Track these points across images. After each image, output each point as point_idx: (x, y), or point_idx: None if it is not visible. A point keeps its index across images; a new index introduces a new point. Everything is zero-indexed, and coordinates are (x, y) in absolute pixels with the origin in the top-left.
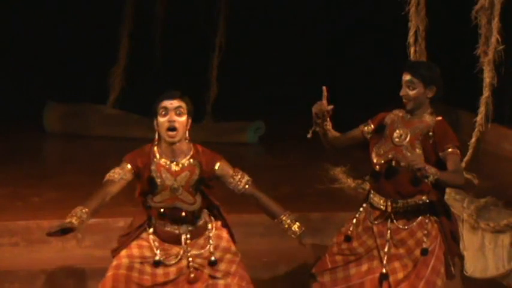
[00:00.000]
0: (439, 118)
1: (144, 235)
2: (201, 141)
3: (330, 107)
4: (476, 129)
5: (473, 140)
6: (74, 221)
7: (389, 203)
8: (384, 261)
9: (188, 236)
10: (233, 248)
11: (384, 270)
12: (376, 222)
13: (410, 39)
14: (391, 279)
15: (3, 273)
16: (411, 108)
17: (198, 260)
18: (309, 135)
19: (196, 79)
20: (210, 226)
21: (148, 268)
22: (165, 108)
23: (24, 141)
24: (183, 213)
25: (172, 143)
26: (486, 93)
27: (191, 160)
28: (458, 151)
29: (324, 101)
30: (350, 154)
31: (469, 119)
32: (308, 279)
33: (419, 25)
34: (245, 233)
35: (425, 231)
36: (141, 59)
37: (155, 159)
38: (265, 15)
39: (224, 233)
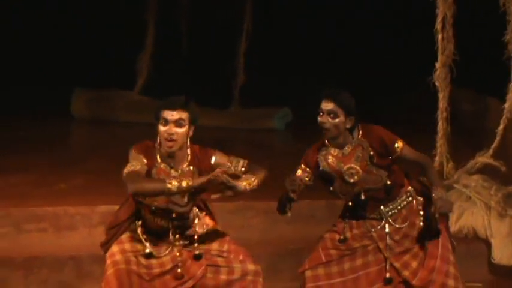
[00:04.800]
0: (361, 130)
1: (133, 227)
2: (228, 128)
3: (305, 179)
4: (504, 116)
5: (501, 127)
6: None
7: (382, 210)
8: (387, 266)
9: (177, 231)
10: (220, 231)
11: (388, 275)
12: (373, 229)
13: (438, 26)
14: (406, 273)
15: (31, 259)
16: (331, 137)
17: (189, 248)
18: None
19: (223, 65)
20: (196, 221)
21: (142, 260)
22: (165, 120)
23: (52, 127)
24: (174, 215)
25: (171, 152)
26: None
27: (190, 167)
28: (401, 142)
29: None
30: None
31: (497, 106)
32: (301, 273)
33: (447, 12)
34: (271, 220)
35: (422, 217)
36: (168, 46)
37: (157, 164)
38: (292, 1)
39: (207, 220)
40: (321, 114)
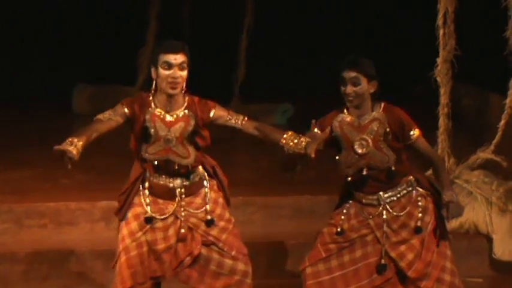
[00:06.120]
0: (383, 106)
1: (136, 200)
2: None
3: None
4: (505, 112)
5: (502, 122)
6: (73, 150)
7: (380, 196)
8: (383, 253)
9: (183, 190)
10: (227, 215)
11: (382, 261)
12: (371, 216)
13: (439, 22)
14: (402, 263)
15: (32, 254)
16: (356, 105)
17: (193, 220)
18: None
19: (224, 60)
20: (206, 183)
21: (149, 236)
22: (169, 63)
23: (53, 122)
24: (176, 167)
25: (172, 95)
26: None
27: (186, 111)
28: (418, 130)
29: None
30: None
31: (498, 102)
32: (301, 271)
33: (448, 7)
34: (273, 215)
35: (420, 209)
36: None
37: (150, 109)
38: None
39: (220, 198)
40: (345, 84)
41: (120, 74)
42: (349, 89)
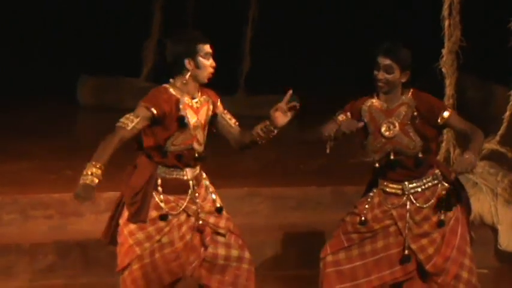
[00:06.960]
0: (412, 92)
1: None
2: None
3: (361, 124)
4: (510, 103)
5: (507, 113)
6: (90, 182)
7: (405, 185)
8: (406, 244)
9: (195, 182)
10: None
11: (406, 252)
12: (394, 207)
13: (445, 13)
14: (421, 256)
15: (37, 245)
16: (385, 91)
17: (202, 215)
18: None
19: (229, 52)
20: (203, 174)
21: (165, 239)
22: (210, 53)
23: (58, 114)
24: (196, 154)
25: (202, 84)
26: None
27: (204, 96)
28: (450, 111)
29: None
30: None
31: (503, 93)
32: (321, 259)
33: None
34: (278, 206)
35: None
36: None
37: (180, 99)
38: None
39: (218, 199)
40: (378, 69)
41: (123, 65)
42: (381, 74)
